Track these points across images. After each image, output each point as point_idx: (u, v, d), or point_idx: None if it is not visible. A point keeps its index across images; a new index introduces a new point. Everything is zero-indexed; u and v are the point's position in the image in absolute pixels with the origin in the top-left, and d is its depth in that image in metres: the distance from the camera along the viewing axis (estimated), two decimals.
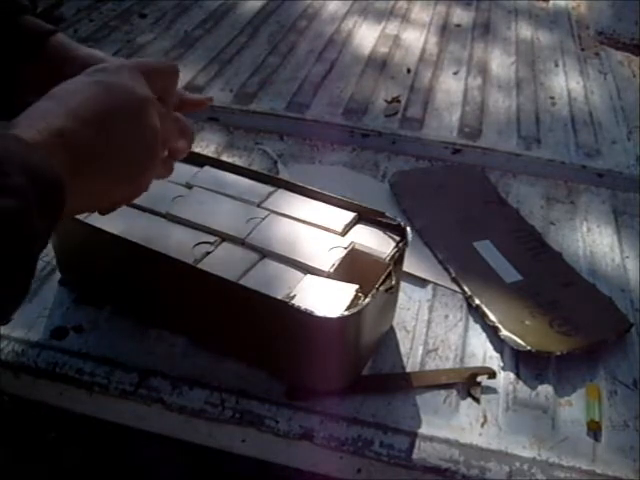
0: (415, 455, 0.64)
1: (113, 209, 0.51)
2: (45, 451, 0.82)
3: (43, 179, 0.40)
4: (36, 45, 0.58)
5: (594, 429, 0.67)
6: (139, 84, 0.50)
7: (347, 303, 0.62)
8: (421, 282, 0.83)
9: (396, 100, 1.19)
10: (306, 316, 0.60)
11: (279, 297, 0.62)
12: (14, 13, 0.58)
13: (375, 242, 0.70)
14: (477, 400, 0.69)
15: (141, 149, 0.49)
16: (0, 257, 0.37)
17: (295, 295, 0.63)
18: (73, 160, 0.43)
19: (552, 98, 1.24)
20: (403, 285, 0.77)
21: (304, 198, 0.75)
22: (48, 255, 0.79)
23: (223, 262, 0.67)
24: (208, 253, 0.68)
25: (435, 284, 0.82)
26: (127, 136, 0.48)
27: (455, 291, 0.81)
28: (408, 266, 0.77)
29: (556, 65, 1.36)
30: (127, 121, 0.48)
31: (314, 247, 0.68)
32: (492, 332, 0.76)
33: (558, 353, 0.72)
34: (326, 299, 0.63)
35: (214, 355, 0.70)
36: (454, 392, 0.70)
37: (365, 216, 0.73)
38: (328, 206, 0.74)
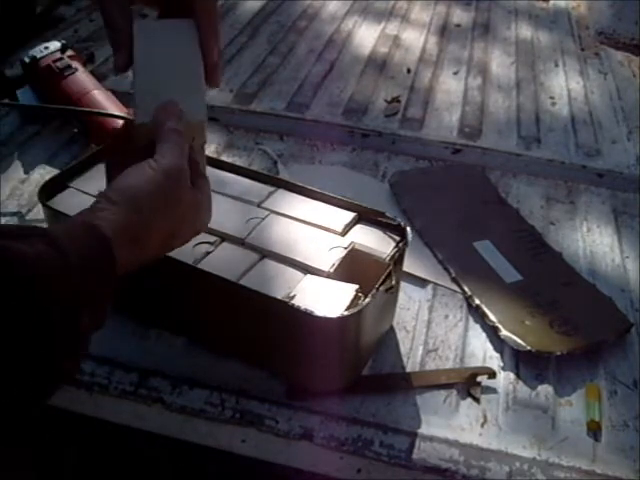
0: (415, 455, 0.64)
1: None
2: (45, 451, 0.81)
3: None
4: None
5: (594, 429, 0.67)
6: (191, 193, 0.54)
7: (347, 303, 0.62)
8: (421, 282, 0.83)
9: (396, 100, 1.19)
10: (306, 316, 0.60)
11: (279, 297, 0.62)
12: None
13: (375, 242, 0.70)
14: (477, 400, 0.69)
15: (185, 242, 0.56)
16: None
17: (295, 295, 0.63)
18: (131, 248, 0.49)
19: (552, 98, 1.24)
20: (403, 285, 0.77)
21: (304, 198, 0.75)
22: None
23: (223, 262, 0.67)
24: (208, 253, 0.68)
25: (435, 284, 0.82)
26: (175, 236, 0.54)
27: (455, 291, 0.81)
28: (408, 266, 0.77)
29: (556, 65, 1.36)
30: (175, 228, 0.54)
31: (314, 247, 0.68)
32: (492, 332, 0.76)
33: (558, 353, 0.72)
34: (326, 299, 0.63)
35: (214, 355, 0.71)
36: (454, 392, 0.70)
37: (365, 216, 0.73)
38: (328, 206, 0.74)
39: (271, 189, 0.76)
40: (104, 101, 0.99)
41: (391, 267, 0.67)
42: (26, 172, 0.97)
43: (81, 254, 0.44)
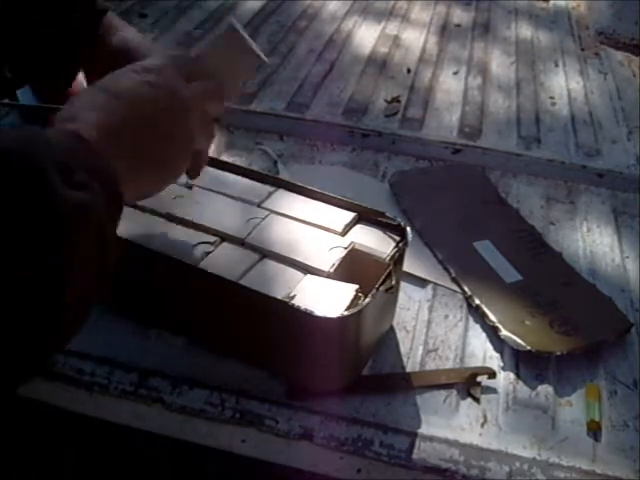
0: (415, 455, 0.64)
1: (143, 198, 0.57)
2: (45, 451, 0.81)
3: (103, 176, 0.43)
4: (91, 27, 0.62)
5: (594, 429, 0.67)
6: (181, 85, 0.54)
7: (347, 303, 0.62)
8: (421, 282, 0.83)
9: (396, 100, 1.19)
10: (306, 316, 0.60)
11: (279, 297, 0.62)
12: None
13: (375, 242, 0.70)
14: (477, 400, 0.69)
15: (178, 148, 0.54)
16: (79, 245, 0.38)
17: (295, 295, 0.63)
18: (123, 160, 0.47)
19: (552, 98, 1.24)
20: (403, 285, 0.77)
21: (304, 198, 0.75)
22: None
23: (223, 262, 0.67)
24: (208, 253, 0.68)
25: (435, 284, 0.82)
26: (167, 135, 0.52)
27: (455, 291, 0.81)
28: (408, 266, 0.77)
29: (556, 65, 1.36)
30: (169, 122, 0.52)
31: (314, 247, 0.68)
32: (492, 332, 0.76)
33: (558, 353, 0.72)
34: (326, 299, 0.63)
35: (214, 355, 0.70)
36: (454, 392, 0.70)
37: (365, 216, 0.73)
38: (328, 206, 0.74)
39: (271, 189, 0.76)
40: None
41: (391, 267, 0.67)
42: None
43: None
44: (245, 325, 0.66)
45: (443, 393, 0.70)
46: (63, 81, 0.63)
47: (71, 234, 0.39)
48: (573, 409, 0.69)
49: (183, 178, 0.76)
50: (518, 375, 0.72)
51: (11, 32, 0.61)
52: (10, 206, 0.36)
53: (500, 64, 1.35)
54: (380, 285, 0.65)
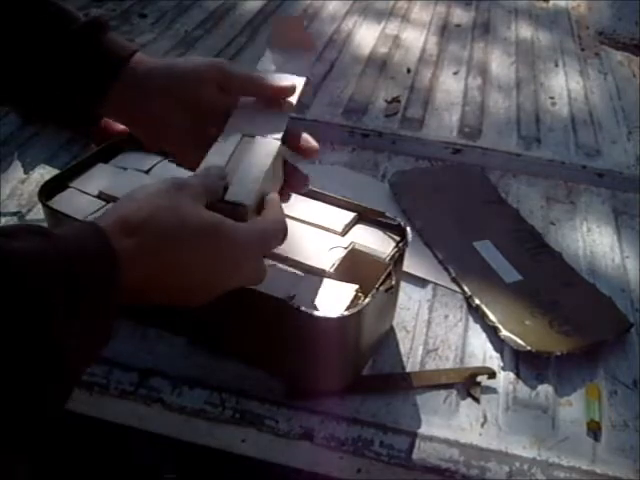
0: (415, 455, 0.64)
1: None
2: (44, 451, 0.81)
3: (104, 317, 0.42)
4: (117, 66, 0.59)
5: (594, 429, 0.67)
6: (234, 230, 0.50)
7: (347, 303, 0.62)
8: (421, 282, 0.83)
9: (396, 100, 1.19)
10: (306, 316, 0.60)
11: (279, 297, 0.62)
12: (96, 32, 0.59)
13: (375, 242, 0.70)
14: (477, 400, 0.69)
15: (217, 272, 0.50)
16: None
17: (295, 295, 0.63)
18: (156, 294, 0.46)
19: (552, 98, 1.24)
20: (403, 285, 0.77)
21: (304, 198, 0.75)
22: None
23: None
24: None
25: (435, 284, 0.82)
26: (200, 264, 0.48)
27: (455, 291, 0.81)
28: (408, 266, 0.77)
29: (556, 65, 1.36)
30: (217, 275, 0.50)
31: (314, 247, 0.68)
32: (492, 332, 0.76)
33: (558, 353, 0.72)
34: (326, 299, 0.63)
35: (214, 355, 0.70)
36: (454, 392, 0.70)
37: (365, 216, 0.73)
38: (328, 206, 0.74)
39: None
40: None
41: (391, 267, 0.67)
42: (26, 172, 0.97)
43: (78, 246, 0.41)
44: (245, 325, 0.66)
45: (443, 393, 0.70)
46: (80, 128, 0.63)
47: (57, 375, 0.39)
48: (573, 409, 0.69)
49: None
50: (518, 375, 0.72)
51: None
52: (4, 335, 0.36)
53: (500, 64, 1.35)
54: (380, 285, 0.65)
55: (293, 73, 0.64)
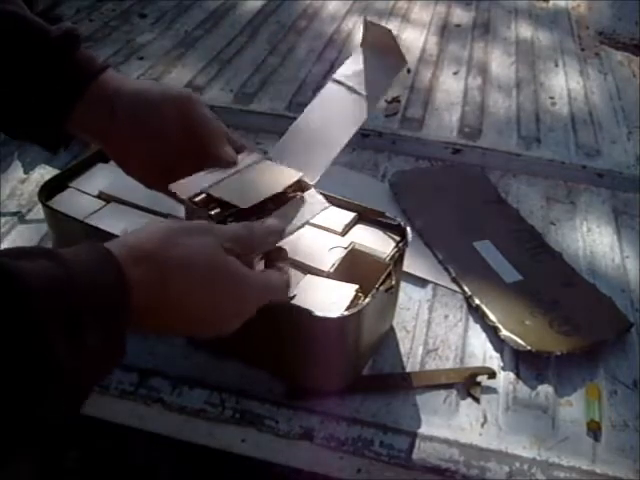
0: (415, 455, 0.64)
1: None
2: (45, 451, 0.81)
3: (116, 340, 0.42)
4: (82, 84, 0.58)
5: (594, 429, 0.67)
6: (243, 273, 0.50)
7: (347, 303, 0.62)
8: (421, 282, 0.83)
9: (396, 100, 1.19)
10: (306, 316, 0.60)
11: None
12: (69, 47, 0.58)
13: (375, 242, 0.70)
14: (477, 400, 0.69)
15: (226, 307, 0.49)
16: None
17: (295, 295, 0.63)
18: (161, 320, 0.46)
19: (552, 98, 1.24)
20: (403, 285, 0.77)
21: None
22: None
23: None
24: None
25: (435, 284, 0.82)
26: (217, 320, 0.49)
27: (455, 291, 0.81)
28: (408, 266, 0.77)
29: (556, 65, 1.36)
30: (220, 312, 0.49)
31: (314, 247, 0.68)
32: (492, 332, 0.76)
33: (558, 353, 0.72)
34: (326, 299, 0.63)
35: (214, 355, 0.71)
36: (454, 392, 0.70)
37: (365, 216, 0.73)
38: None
39: None
40: None
41: (391, 267, 0.67)
42: (26, 172, 0.97)
43: (86, 268, 0.40)
44: (245, 325, 0.66)
45: (443, 393, 0.70)
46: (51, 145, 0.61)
47: (54, 397, 0.38)
48: (573, 409, 0.69)
49: None
50: (518, 375, 0.72)
51: None
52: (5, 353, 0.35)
53: (500, 64, 1.35)
54: (380, 285, 0.65)
55: (375, 82, 0.64)
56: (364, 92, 0.63)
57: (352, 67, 0.67)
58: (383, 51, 0.64)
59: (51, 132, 0.59)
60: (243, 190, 0.58)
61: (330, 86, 0.64)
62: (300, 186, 0.61)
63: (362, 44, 0.66)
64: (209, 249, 0.48)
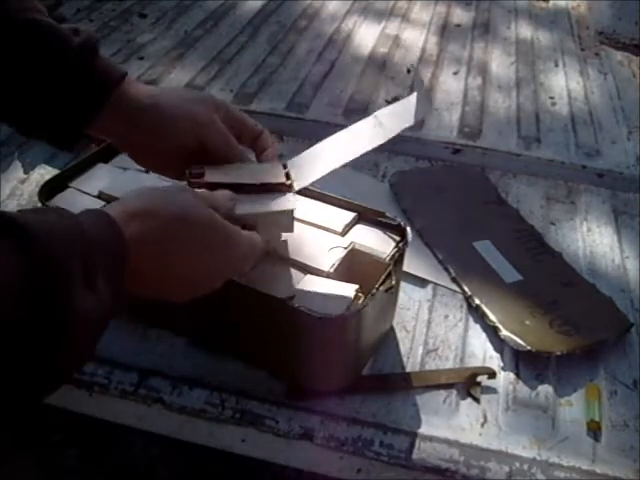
0: (415, 455, 0.64)
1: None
2: (45, 451, 0.82)
3: (118, 286, 0.44)
4: (106, 92, 0.61)
5: (594, 429, 0.67)
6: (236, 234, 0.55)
7: (347, 303, 0.62)
8: (421, 282, 0.83)
9: (396, 100, 1.19)
10: (306, 316, 0.60)
11: (279, 297, 0.62)
12: (90, 55, 0.61)
13: (375, 242, 0.70)
14: (477, 400, 0.69)
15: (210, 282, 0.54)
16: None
17: (295, 295, 0.63)
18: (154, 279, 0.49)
19: (552, 98, 1.24)
20: (403, 285, 0.77)
21: (304, 198, 0.75)
22: None
23: None
24: None
25: (435, 284, 0.82)
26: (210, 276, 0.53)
27: (455, 291, 0.81)
28: (408, 266, 0.77)
29: (556, 65, 1.36)
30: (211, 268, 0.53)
31: (314, 247, 0.68)
32: (492, 332, 0.76)
33: (558, 353, 0.72)
34: (326, 299, 0.63)
35: (214, 355, 0.71)
36: (454, 392, 0.70)
37: (365, 216, 0.73)
38: (328, 206, 0.74)
39: None
40: None
41: (391, 267, 0.67)
42: (26, 172, 0.97)
43: (90, 223, 0.44)
44: (245, 325, 0.66)
45: (443, 393, 0.70)
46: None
47: (71, 341, 0.40)
48: (573, 409, 0.69)
49: None
50: (518, 375, 0.72)
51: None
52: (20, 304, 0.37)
53: (500, 64, 1.35)
54: (380, 285, 0.65)
55: (399, 119, 0.71)
56: (387, 124, 0.70)
57: (389, 108, 0.73)
58: (416, 97, 0.71)
59: (69, 135, 0.62)
60: (232, 176, 0.63)
61: (367, 119, 0.70)
62: (285, 188, 0.65)
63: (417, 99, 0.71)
64: (199, 203, 0.52)
